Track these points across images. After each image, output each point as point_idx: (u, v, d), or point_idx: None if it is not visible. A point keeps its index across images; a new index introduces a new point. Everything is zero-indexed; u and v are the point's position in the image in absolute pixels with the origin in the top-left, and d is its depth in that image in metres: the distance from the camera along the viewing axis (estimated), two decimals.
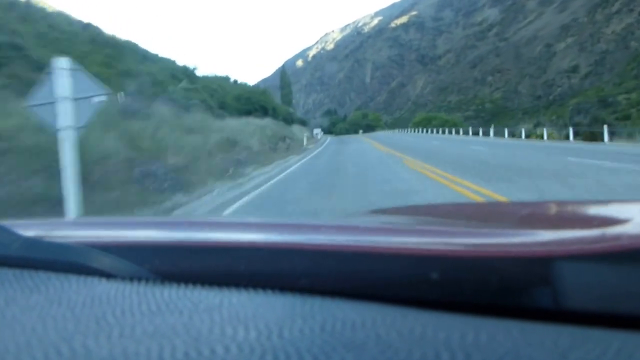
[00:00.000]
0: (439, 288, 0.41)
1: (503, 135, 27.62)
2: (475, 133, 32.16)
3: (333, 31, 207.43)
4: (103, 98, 3.92)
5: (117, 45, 27.33)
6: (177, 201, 7.19)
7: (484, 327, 0.36)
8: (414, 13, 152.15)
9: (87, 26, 31.48)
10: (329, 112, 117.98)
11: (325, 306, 0.41)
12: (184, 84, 17.00)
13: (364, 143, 27.34)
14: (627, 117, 36.63)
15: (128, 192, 7.12)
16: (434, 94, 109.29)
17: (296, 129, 39.70)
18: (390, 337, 0.34)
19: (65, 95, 3.78)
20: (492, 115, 74.94)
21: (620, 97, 51.90)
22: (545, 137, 22.37)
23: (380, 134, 55.57)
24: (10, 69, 11.14)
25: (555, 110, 60.35)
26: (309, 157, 18.01)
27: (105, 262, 0.51)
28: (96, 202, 5.64)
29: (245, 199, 7.17)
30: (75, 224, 0.79)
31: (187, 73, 29.41)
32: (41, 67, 6.69)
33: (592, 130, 20.27)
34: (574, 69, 73.06)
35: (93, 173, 6.64)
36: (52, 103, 3.79)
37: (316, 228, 0.63)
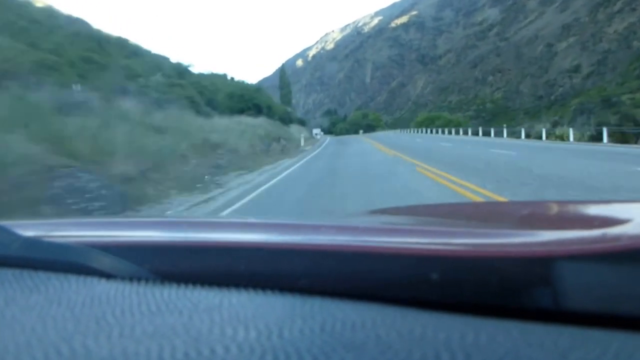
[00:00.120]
0: (438, 288, 0.40)
1: (519, 136, 24.57)
2: (486, 133, 28.90)
3: (333, 31, 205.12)
4: None
5: (101, 39, 25.19)
6: None
7: (484, 327, 0.35)
8: (414, 13, 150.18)
9: (76, 20, 29.38)
10: (329, 112, 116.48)
11: (325, 306, 0.41)
12: (158, 77, 14.58)
13: (365, 144, 24.88)
14: (630, 118, 35.04)
15: (32, 217, 4.83)
16: (434, 94, 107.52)
17: (294, 129, 37.55)
18: (390, 337, 0.34)
19: None
20: (493, 115, 73.45)
21: (624, 97, 50.39)
22: (571, 137, 19.58)
23: (381, 134, 53.24)
24: None
25: (557, 110, 59.22)
26: (305, 160, 15.67)
27: (105, 262, 0.50)
28: None
29: None
30: (75, 224, 0.76)
31: (179, 70, 27.18)
32: None
33: (621, 130, 17.78)
34: (576, 69, 71.58)
35: None
36: None
37: (316, 228, 0.62)
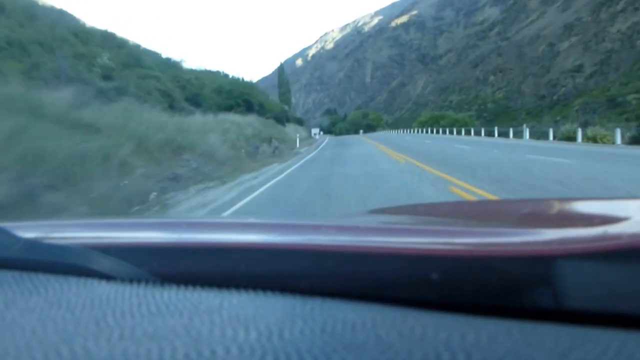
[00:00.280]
0: (439, 288, 0.40)
1: (546, 137, 20.49)
2: (503, 134, 25.25)
3: (333, 30, 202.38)
4: None
5: (79, 30, 22.32)
6: None
7: (484, 327, 0.35)
8: (414, 12, 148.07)
9: (58, 12, 26.60)
10: (328, 112, 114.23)
11: (325, 307, 0.40)
12: (105, 59, 11.55)
13: (367, 146, 21.53)
14: (638, 118, 33.25)
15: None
16: (435, 94, 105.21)
17: (291, 128, 34.61)
18: (390, 337, 0.34)
19: None
20: (495, 115, 72.08)
21: (630, 97, 48.31)
22: (618, 139, 15.83)
23: (382, 134, 50.01)
24: None
25: (560, 111, 57.24)
26: (297, 166, 12.64)
27: (105, 263, 0.50)
28: None
29: None
30: (75, 226, 0.75)
31: (167, 64, 24.23)
32: None
33: None
34: (578, 69, 70.38)
35: None
36: None
37: (316, 228, 0.62)
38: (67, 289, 0.46)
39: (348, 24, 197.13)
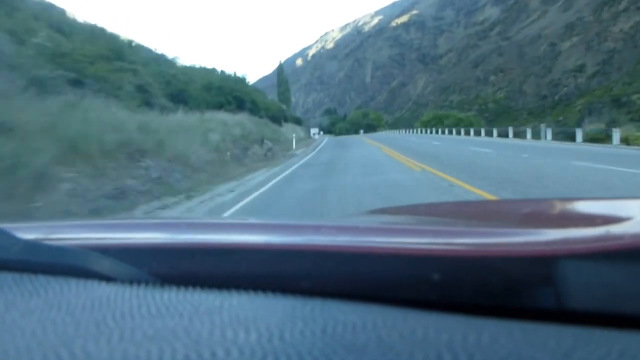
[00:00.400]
0: (440, 289, 0.39)
1: (572, 139, 18.05)
2: (519, 135, 22.81)
3: (333, 30, 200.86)
4: None
5: (64, 23, 20.32)
6: None
7: (486, 328, 0.35)
8: (414, 12, 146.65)
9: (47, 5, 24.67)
10: (328, 112, 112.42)
11: (326, 308, 0.40)
12: (40, 37, 9.44)
13: (369, 147, 19.22)
14: None
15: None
16: (435, 94, 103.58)
17: (288, 128, 32.53)
18: (391, 338, 0.34)
19: None
20: (496, 115, 70.60)
21: (635, 97, 46.67)
22: None
23: (383, 134, 47.73)
24: None
25: (562, 111, 55.84)
26: (288, 172, 10.47)
27: (104, 265, 0.49)
28: None
29: None
30: (74, 226, 0.74)
31: (160, 61, 22.18)
32: None
33: None
34: (580, 69, 69.24)
35: None
36: None
37: (316, 229, 0.61)
38: (67, 291, 0.46)
39: (348, 24, 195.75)
